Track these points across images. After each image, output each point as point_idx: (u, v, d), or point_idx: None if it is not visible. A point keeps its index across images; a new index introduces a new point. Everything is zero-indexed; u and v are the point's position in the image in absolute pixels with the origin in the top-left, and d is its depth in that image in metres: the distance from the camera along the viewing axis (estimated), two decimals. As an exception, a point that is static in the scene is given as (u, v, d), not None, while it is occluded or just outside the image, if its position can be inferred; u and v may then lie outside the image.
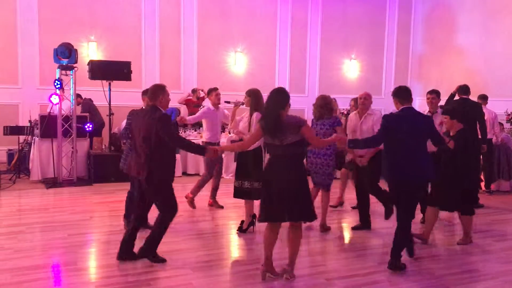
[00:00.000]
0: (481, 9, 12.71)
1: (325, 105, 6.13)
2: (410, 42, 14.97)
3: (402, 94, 4.87)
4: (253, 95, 5.85)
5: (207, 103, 9.35)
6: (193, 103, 11.27)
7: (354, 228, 6.26)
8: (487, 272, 4.93)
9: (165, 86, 4.92)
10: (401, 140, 4.69)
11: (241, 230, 6.01)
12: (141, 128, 4.75)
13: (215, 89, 7.30)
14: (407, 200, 4.77)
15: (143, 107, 5.75)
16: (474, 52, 12.89)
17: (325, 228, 6.12)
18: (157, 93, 4.83)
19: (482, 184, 8.89)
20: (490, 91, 11.86)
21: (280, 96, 4.40)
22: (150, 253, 4.87)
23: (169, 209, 4.82)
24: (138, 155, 4.81)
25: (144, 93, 6.13)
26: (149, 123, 4.68)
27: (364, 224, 6.25)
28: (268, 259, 4.47)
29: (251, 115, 5.90)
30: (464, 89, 7.65)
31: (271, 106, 4.39)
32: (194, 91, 11.68)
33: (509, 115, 10.32)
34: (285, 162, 4.33)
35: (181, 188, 7.71)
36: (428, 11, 14.61)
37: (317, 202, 6.03)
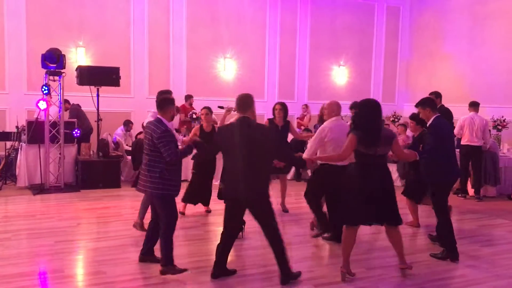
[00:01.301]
0: (467, 16, 12.88)
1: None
2: (398, 49, 15.10)
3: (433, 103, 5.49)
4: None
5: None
6: (186, 110, 11.22)
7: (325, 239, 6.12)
8: (474, 278, 4.96)
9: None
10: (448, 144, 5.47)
11: None
12: (251, 142, 4.42)
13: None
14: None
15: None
16: (461, 58, 13.04)
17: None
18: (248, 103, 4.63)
19: (469, 189, 8.99)
20: (477, 98, 11.97)
21: (380, 109, 4.67)
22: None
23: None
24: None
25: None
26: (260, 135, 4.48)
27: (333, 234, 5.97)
28: (346, 261, 4.77)
29: None
30: (435, 95, 7.79)
31: (373, 118, 4.62)
32: (188, 97, 11.67)
33: (495, 121, 10.44)
34: (379, 171, 4.65)
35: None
36: (416, 18, 14.77)
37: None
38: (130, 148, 9.97)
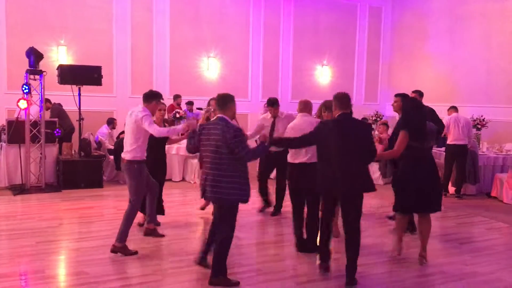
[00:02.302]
0: (448, 17, 13.07)
1: None
2: (380, 49, 15.25)
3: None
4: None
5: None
6: (172, 109, 11.15)
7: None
8: (453, 274, 5.05)
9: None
10: None
11: None
12: (350, 138, 4.55)
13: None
14: None
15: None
16: (441, 59, 13.23)
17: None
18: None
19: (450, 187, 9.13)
20: (457, 97, 12.24)
21: (423, 107, 5.37)
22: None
23: None
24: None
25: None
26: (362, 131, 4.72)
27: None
28: (399, 243, 5.40)
29: None
30: (419, 94, 7.91)
31: (420, 115, 5.15)
32: (176, 97, 11.62)
33: (475, 120, 10.62)
34: (428, 162, 5.15)
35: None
36: (398, 19, 14.93)
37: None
38: (112, 147, 9.90)
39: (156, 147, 6.03)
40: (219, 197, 4.36)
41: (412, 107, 5.26)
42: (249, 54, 13.57)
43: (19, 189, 8.58)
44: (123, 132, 9.16)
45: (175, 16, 12.56)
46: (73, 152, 9.53)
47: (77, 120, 9.36)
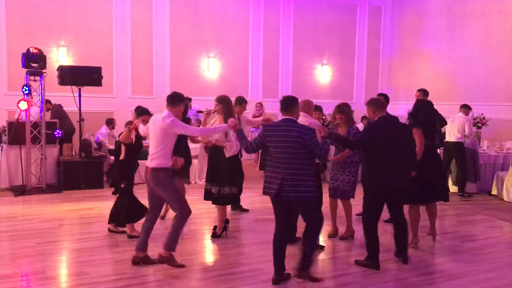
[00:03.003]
0: (447, 15, 13.06)
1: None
2: (380, 48, 15.24)
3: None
4: (225, 102, 5.88)
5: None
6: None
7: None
8: (454, 272, 5.05)
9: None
10: None
11: (214, 236, 6.02)
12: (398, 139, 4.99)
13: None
14: None
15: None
16: (440, 57, 13.23)
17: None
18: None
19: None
20: (457, 95, 12.23)
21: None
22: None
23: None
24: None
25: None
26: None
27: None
28: (415, 233, 5.75)
29: (225, 121, 5.80)
30: (423, 93, 8.05)
31: (432, 115, 5.86)
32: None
33: (475, 119, 10.61)
34: (437, 157, 5.89)
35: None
36: (397, 18, 14.93)
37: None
38: (113, 148, 9.90)
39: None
40: (299, 195, 4.42)
41: (424, 108, 5.78)
42: (249, 54, 13.57)
43: (20, 190, 8.59)
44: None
45: (175, 16, 12.56)
46: (73, 153, 9.54)
47: (77, 121, 9.37)
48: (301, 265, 4.65)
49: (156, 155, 4.81)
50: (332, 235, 6.11)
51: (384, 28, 15.18)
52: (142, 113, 5.86)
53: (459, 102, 10.30)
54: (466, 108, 9.20)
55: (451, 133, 8.88)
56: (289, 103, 4.56)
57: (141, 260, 4.99)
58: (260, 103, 12.36)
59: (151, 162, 4.83)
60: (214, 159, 5.98)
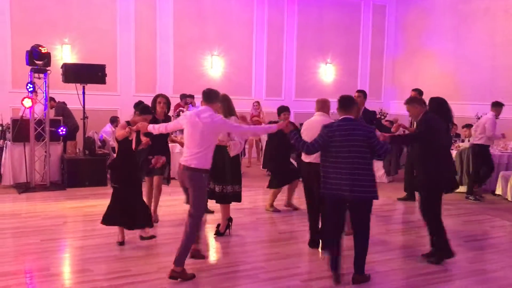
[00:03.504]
0: (452, 14, 13.02)
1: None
2: (384, 46, 15.21)
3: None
4: (225, 100, 5.76)
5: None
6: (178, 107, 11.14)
7: None
8: (457, 272, 5.04)
9: None
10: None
11: (218, 234, 6.03)
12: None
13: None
14: None
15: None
16: (445, 56, 13.18)
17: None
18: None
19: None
20: (461, 95, 12.20)
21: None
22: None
23: None
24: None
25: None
26: None
27: None
28: None
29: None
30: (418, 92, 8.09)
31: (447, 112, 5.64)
32: (183, 96, 11.54)
33: (479, 118, 10.56)
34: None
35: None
36: (402, 16, 14.89)
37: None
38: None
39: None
40: (368, 195, 4.48)
41: (440, 105, 5.60)
42: (253, 52, 13.56)
43: (24, 187, 8.62)
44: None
45: (178, 15, 12.56)
46: (77, 151, 9.55)
47: (81, 119, 9.39)
48: (356, 269, 4.62)
49: (198, 155, 4.57)
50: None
51: (388, 26, 15.14)
52: (145, 111, 5.51)
53: (463, 101, 10.30)
54: (495, 106, 8.78)
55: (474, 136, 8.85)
56: (348, 103, 4.65)
57: (196, 253, 5.00)
58: (258, 102, 11.98)
59: (191, 161, 4.58)
60: (217, 158, 5.95)
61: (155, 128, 5.07)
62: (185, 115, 4.81)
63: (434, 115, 5.24)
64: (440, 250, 5.17)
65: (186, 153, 4.64)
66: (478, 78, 12.16)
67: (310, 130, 5.28)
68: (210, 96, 4.74)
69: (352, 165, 4.40)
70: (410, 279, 4.80)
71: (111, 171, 5.70)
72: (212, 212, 6.97)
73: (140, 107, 5.61)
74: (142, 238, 5.72)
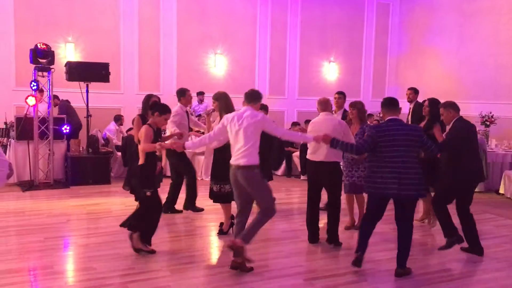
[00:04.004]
0: (456, 12, 12.97)
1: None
2: (388, 45, 15.16)
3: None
4: (221, 98, 5.72)
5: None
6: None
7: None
8: (462, 271, 5.03)
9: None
10: None
11: (221, 233, 6.03)
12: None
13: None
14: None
15: None
16: (449, 55, 13.14)
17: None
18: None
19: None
20: (465, 93, 12.16)
21: None
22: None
23: None
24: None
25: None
26: None
27: None
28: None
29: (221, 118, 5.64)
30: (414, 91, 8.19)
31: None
32: (200, 93, 11.67)
33: (483, 117, 10.55)
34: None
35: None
36: (406, 15, 14.84)
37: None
38: (120, 144, 9.94)
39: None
40: (418, 193, 4.67)
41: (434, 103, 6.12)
42: (256, 51, 13.54)
43: (27, 185, 8.65)
44: (131, 129, 9.22)
45: (182, 13, 12.56)
46: (81, 149, 9.58)
47: (84, 117, 9.40)
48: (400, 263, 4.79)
49: (246, 152, 4.68)
50: (349, 227, 6.40)
51: (392, 25, 15.09)
52: (166, 110, 5.21)
53: (467, 100, 10.26)
54: None
55: None
56: (394, 104, 4.84)
57: (239, 264, 4.76)
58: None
59: (241, 159, 4.69)
60: (219, 157, 5.89)
61: (196, 145, 5.19)
62: (227, 118, 4.88)
63: (465, 121, 5.52)
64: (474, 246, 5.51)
65: (234, 153, 4.78)
66: (482, 77, 12.12)
67: (317, 132, 5.30)
68: (253, 96, 4.95)
69: (402, 164, 4.56)
70: (411, 278, 4.79)
71: (141, 179, 5.16)
72: (202, 209, 6.96)
73: (160, 106, 5.30)
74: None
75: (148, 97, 6.35)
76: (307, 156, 5.74)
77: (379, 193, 4.66)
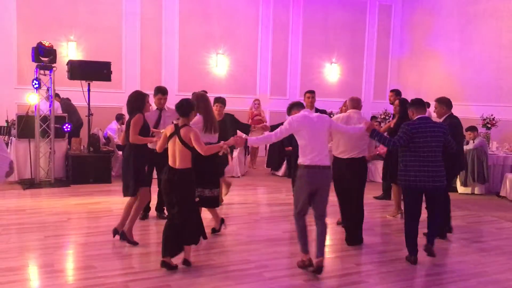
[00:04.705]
0: (458, 15, 12.97)
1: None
2: (389, 47, 15.17)
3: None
4: (200, 98, 5.55)
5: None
6: None
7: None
8: (462, 274, 5.02)
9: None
10: None
11: (214, 231, 6.01)
12: None
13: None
14: None
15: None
16: (451, 57, 13.14)
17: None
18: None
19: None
20: (467, 96, 12.16)
21: None
22: None
23: None
24: None
25: None
26: None
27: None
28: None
29: (204, 118, 5.56)
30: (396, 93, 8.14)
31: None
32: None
33: (484, 119, 10.54)
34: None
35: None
36: (408, 16, 14.84)
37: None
38: (121, 143, 9.92)
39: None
40: (443, 184, 5.11)
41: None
42: (258, 51, 13.55)
43: (28, 184, 8.65)
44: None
45: (184, 13, 12.57)
46: (82, 148, 9.58)
47: (86, 116, 9.40)
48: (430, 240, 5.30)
49: (326, 153, 4.81)
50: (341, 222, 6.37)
51: (394, 27, 15.10)
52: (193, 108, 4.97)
53: (468, 102, 10.25)
54: None
55: None
56: (423, 104, 5.27)
57: (308, 262, 4.81)
58: (258, 100, 11.83)
59: (325, 160, 4.76)
60: (202, 161, 5.30)
61: (260, 140, 5.37)
62: (296, 120, 4.79)
63: (457, 120, 6.01)
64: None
65: (315, 153, 4.70)
66: (484, 79, 12.12)
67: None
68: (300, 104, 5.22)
69: (433, 158, 5.02)
70: (413, 280, 4.79)
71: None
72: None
73: (184, 107, 4.86)
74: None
75: (144, 95, 6.19)
76: (340, 155, 5.72)
77: (415, 185, 5.01)
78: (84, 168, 9.02)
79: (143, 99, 5.70)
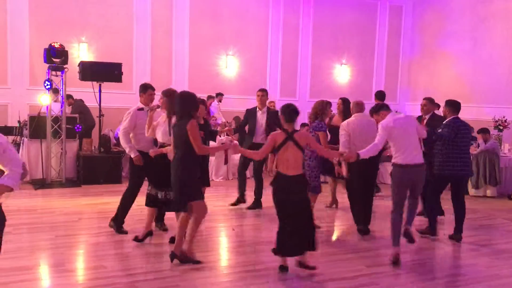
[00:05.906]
0: (469, 16, 12.86)
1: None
2: (400, 48, 15.07)
3: None
4: (172, 95, 5.21)
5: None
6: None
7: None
8: (474, 276, 4.98)
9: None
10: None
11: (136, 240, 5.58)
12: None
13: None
14: None
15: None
16: (462, 58, 13.02)
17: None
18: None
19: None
20: (478, 97, 12.05)
21: None
22: None
23: None
24: None
25: None
26: None
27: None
28: None
29: (169, 117, 5.31)
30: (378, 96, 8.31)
31: None
32: (219, 94, 11.89)
33: (496, 121, 10.44)
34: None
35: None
36: (418, 17, 14.75)
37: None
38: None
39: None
40: (469, 173, 6.24)
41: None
42: (267, 52, 13.54)
43: (40, 184, 8.72)
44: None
45: (194, 14, 12.60)
46: (93, 148, 9.65)
47: (97, 117, 9.47)
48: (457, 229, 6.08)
49: (418, 150, 5.27)
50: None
51: (405, 28, 15.00)
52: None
53: (480, 104, 10.16)
54: None
55: None
56: (459, 106, 6.07)
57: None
58: (273, 102, 11.40)
59: (420, 158, 5.24)
60: (162, 163, 5.29)
61: (370, 152, 5.24)
62: (388, 125, 5.16)
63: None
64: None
65: (411, 152, 5.14)
66: (495, 80, 12.00)
67: (354, 130, 6.05)
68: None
69: (464, 151, 5.99)
70: (424, 282, 4.76)
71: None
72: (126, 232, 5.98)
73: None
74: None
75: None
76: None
77: (454, 173, 5.90)
78: (95, 168, 9.08)
79: (197, 104, 5.10)
